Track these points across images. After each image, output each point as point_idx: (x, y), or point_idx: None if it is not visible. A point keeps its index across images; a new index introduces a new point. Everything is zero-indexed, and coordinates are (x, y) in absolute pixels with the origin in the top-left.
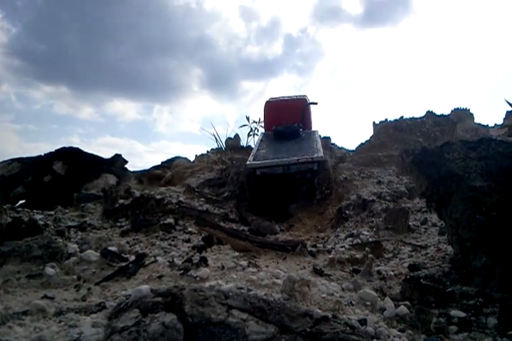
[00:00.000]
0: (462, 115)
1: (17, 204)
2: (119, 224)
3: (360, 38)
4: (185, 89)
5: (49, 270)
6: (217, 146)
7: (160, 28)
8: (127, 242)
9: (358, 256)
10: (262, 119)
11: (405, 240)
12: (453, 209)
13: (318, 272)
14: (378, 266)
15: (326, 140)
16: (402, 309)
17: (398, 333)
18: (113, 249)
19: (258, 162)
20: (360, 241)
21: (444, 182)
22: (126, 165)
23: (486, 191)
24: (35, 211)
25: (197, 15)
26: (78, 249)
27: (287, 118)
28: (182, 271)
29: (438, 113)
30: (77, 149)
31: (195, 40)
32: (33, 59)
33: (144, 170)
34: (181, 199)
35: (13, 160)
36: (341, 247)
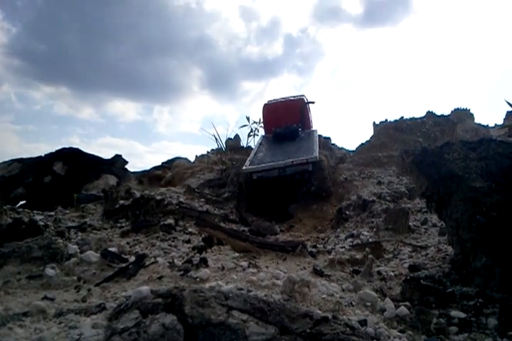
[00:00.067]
0: (462, 115)
1: (17, 205)
2: (119, 224)
3: (360, 38)
4: (185, 89)
5: (49, 271)
6: (217, 147)
7: (160, 28)
8: (127, 243)
9: (358, 256)
10: (262, 122)
11: (405, 240)
12: (453, 209)
13: (318, 273)
14: (378, 266)
15: (326, 140)
16: (403, 310)
17: (398, 334)
18: (113, 249)
19: (253, 166)
20: (360, 242)
21: (444, 182)
22: (126, 166)
23: (486, 191)
24: (35, 212)
25: (197, 15)
26: (78, 250)
27: (286, 119)
28: (182, 272)
29: (438, 113)
30: (78, 150)
31: (195, 40)
32: (33, 59)
33: (144, 171)
34: (181, 199)
35: (13, 160)
36: (341, 248)
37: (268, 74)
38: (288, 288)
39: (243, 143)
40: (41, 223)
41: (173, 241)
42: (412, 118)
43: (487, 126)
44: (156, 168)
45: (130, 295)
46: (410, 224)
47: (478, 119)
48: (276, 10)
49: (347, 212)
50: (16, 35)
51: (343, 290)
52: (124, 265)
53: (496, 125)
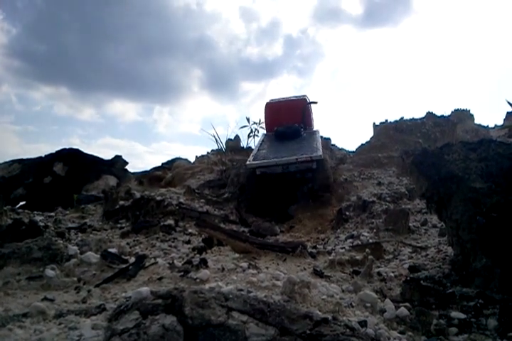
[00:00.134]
0: (462, 116)
1: (17, 206)
2: (119, 225)
3: (360, 39)
4: (185, 90)
5: (49, 272)
6: (217, 147)
7: (160, 28)
8: (127, 244)
9: (358, 257)
10: (263, 121)
11: (405, 241)
12: (453, 210)
13: (318, 273)
14: (378, 267)
15: (327, 141)
16: (402, 310)
17: (398, 335)
18: (113, 250)
19: (257, 161)
20: (360, 243)
21: (444, 183)
22: (126, 167)
23: (486, 192)
24: (35, 212)
25: (197, 16)
26: (78, 251)
27: (288, 118)
28: (182, 273)
29: (438, 114)
30: (78, 150)
31: (196, 41)
32: (33, 60)
33: (145, 172)
34: (181, 200)
35: (13, 161)
36: (341, 248)
37: (268, 74)
38: (288, 289)
39: (243, 143)
40: (41, 224)
41: (173, 242)
42: (412, 119)
43: (487, 126)
44: (156, 168)
45: (130, 296)
46: (410, 224)
47: (478, 120)
48: (276, 11)
49: (347, 213)
50: (16, 35)
51: (343, 291)
52: (124, 266)
53: (496, 126)
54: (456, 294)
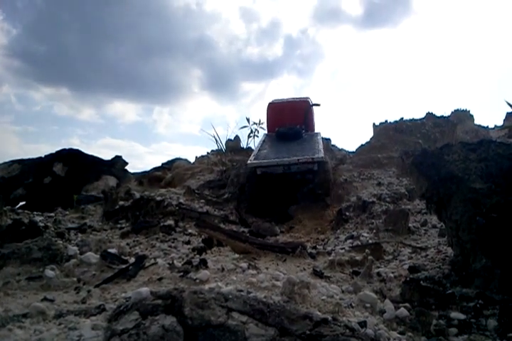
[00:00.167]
0: (462, 116)
1: (17, 206)
2: (119, 225)
3: (360, 39)
4: (185, 90)
5: (49, 272)
6: (217, 148)
7: (160, 28)
8: (127, 244)
9: (358, 257)
10: (265, 121)
11: (405, 242)
12: (453, 210)
13: (318, 274)
14: (378, 267)
15: (327, 141)
16: (402, 311)
17: (398, 335)
18: (113, 250)
19: (258, 161)
20: (360, 243)
21: (444, 183)
22: (126, 167)
23: (486, 193)
24: (35, 213)
25: (197, 16)
26: (78, 251)
27: (290, 119)
28: (182, 273)
29: (438, 114)
30: (78, 151)
31: (196, 41)
32: (33, 60)
33: (144, 172)
34: (181, 200)
35: (13, 161)
36: (341, 249)
37: (268, 75)
38: (288, 289)
39: (243, 144)
40: (41, 224)
41: (172, 243)
42: (412, 120)
43: (487, 127)
44: (156, 168)
45: (130, 297)
46: (410, 225)
47: (478, 120)
48: (276, 11)
49: (347, 213)
50: (16, 36)
51: (343, 292)
52: (123, 266)
53: (495, 126)
54: (456, 295)
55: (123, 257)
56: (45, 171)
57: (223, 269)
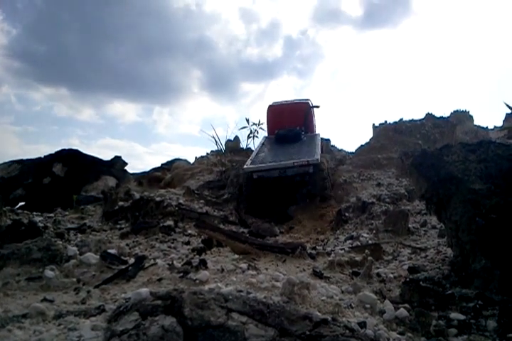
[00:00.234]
0: (462, 117)
1: (17, 206)
2: (118, 226)
3: (359, 40)
4: (185, 90)
5: (48, 273)
6: (217, 148)
7: (160, 29)
8: (127, 244)
9: (358, 258)
10: (263, 121)
11: (405, 242)
12: (452, 211)
13: (317, 275)
14: (378, 268)
15: (326, 142)
16: (402, 312)
17: (398, 336)
18: (113, 251)
19: (254, 166)
20: (359, 244)
21: (444, 184)
22: (125, 167)
23: (486, 194)
24: (34, 213)
25: (197, 16)
26: (78, 252)
27: (290, 121)
28: (181, 274)
29: (437, 115)
30: (77, 151)
31: (195, 42)
32: (33, 60)
33: (144, 172)
34: (181, 201)
35: (13, 162)
36: (341, 249)
37: (268, 76)
38: (287, 290)
39: (243, 144)
40: (41, 224)
41: (172, 243)
42: (412, 120)
43: (486, 128)
44: (155, 169)
45: (129, 297)
46: (410, 226)
47: (478, 121)
48: (276, 12)
49: (346, 214)
50: (16, 36)
51: (343, 292)
52: (123, 267)
53: (495, 127)
54: (455, 295)
55: (122, 258)
56: (44, 171)
57: (223, 270)
